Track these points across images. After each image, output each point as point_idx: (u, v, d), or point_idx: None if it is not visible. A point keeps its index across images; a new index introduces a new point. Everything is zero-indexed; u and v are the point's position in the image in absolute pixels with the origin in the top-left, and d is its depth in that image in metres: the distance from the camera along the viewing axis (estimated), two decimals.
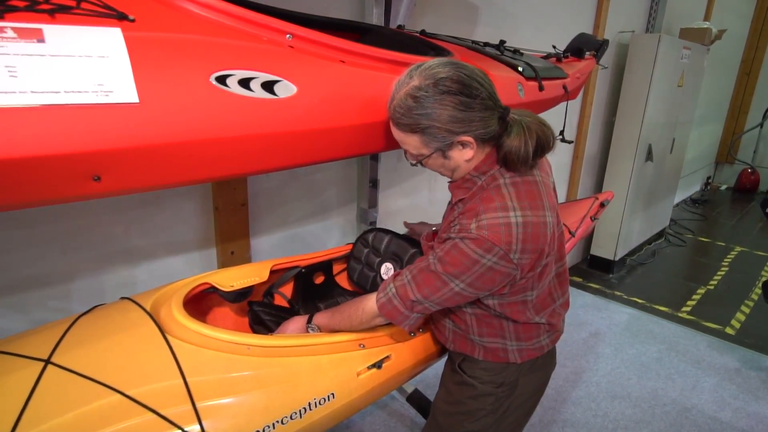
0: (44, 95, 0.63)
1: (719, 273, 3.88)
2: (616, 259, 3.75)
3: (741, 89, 6.44)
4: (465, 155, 0.94)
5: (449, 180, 1.05)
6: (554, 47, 2.15)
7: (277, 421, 0.94)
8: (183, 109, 0.75)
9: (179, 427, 0.84)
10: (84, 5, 0.70)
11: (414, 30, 1.71)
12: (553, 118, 1.23)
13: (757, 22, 6.21)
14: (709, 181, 6.70)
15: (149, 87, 0.71)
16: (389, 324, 1.09)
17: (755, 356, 2.71)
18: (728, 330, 3.01)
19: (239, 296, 1.23)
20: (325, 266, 1.53)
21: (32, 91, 0.62)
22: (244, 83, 0.82)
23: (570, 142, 2.12)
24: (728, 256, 4.24)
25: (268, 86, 0.85)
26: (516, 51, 1.77)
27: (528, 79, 1.53)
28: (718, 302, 3.37)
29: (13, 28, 0.63)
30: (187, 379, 0.89)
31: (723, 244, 4.56)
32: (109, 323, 1.01)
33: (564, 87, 1.78)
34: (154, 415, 0.83)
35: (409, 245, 1.40)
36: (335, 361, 1.07)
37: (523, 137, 0.90)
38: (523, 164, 0.92)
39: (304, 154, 0.99)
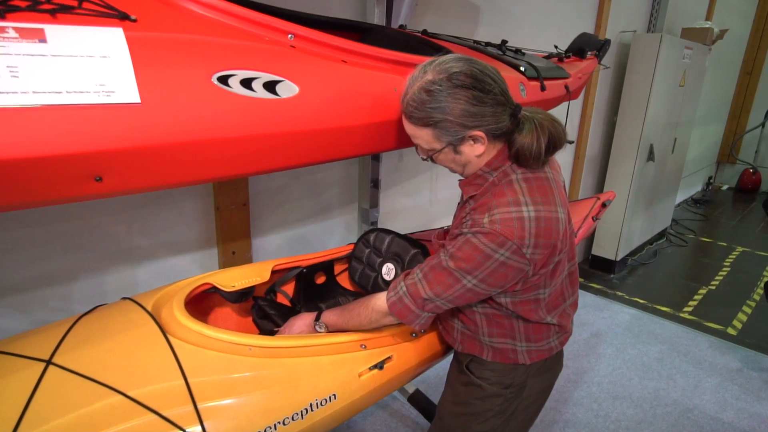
0: (46, 95, 0.62)
1: (721, 273, 3.87)
2: (618, 259, 3.74)
3: (742, 89, 6.43)
4: (476, 150, 0.94)
5: (459, 177, 1.04)
6: (556, 47, 2.15)
7: (279, 422, 0.94)
8: (184, 109, 0.75)
9: (181, 428, 0.83)
10: (86, 5, 0.70)
11: (415, 30, 1.71)
12: None
13: (758, 21, 6.20)
14: (711, 181, 6.69)
15: (151, 87, 0.71)
16: (396, 324, 1.08)
17: (757, 357, 2.70)
18: (730, 330, 3.00)
19: (240, 296, 1.23)
20: (327, 266, 1.53)
21: (34, 92, 0.62)
22: (246, 83, 0.82)
23: (571, 142, 2.12)
24: (730, 257, 4.23)
25: (270, 86, 0.85)
26: (518, 51, 1.76)
27: (530, 79, 1.53)
28: (719, 302, 3.36)
29: (15, 28, 0.63)
30: (189, 380, 0.89)
31: (724, 244, 4.55)
32: (111, 324, 1.01)
33: (566, 87, 1.77)
34: (156, 416, 0.83)
35: (411, 245, 1.40)
36: (337, 361, 1.07)
37: (536, 133, 0.91)
38: (535, 160, 0.93)
39: (305, 154, 0.99)
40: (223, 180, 1.19)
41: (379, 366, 1.12)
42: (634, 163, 3.51)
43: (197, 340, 0.96)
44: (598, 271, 3.83)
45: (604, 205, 1.97)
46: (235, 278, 1.23)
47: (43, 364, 0.85)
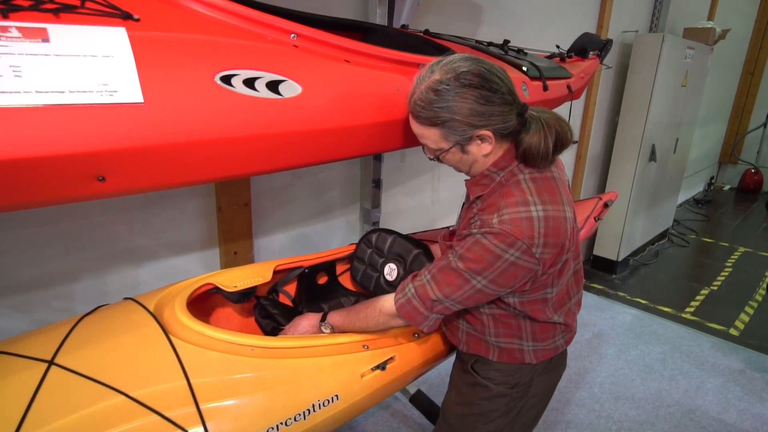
0: (48, 95, 0.62)
1: (723, 273, 3.87)
2: (620, 259, 3.74)
3: (744, 89, 6.42)
4: (483, 150, 0.94)
5: (466, 177, 1.04)
6: (558, 47, 2.14)
7: (281, 423, 0.93)
8: (187, 109, 0.75)
9: (183, 429, 0.83)
10: (88, 4, 0.70)
11: (417, 29, 1.71)
12: None
13: (760, 21, 6.19)
14: (713, 181, 6.68)
15: (154, 87, 0.71)
16: (402, 326, 1.08)
17: (759, 357, 2.69)
18: (732, 331, 2.99)
19: (242, 297, 1.22)
20: (329, 267, 1.52)
21: (36, 91, 0.61)
22: (249, 83, 0.82)
23: (576, 142, 2.11)
24: (732, 257, 4.22)
25: (272, 86, 0.85)
26: (520, 51, 1.76)
27: (532, 78, 1.53)
28: (721, 303, 3.35)
29: (18, 28, 0.63)
30: (191, 381, 0.89)
31: (726, 244, 4.54)
32: (113, 324, 1.00)
33: (568, 87, 1.77)
34: (158, 417, 0.83)
35: (413, 246, 1.40)
36: (339, 362, 1.06)
37: (543, 133, 0.91)
38: (543, 160, 0.93)
39: (308, 154, 0.99)
40: (225, 180, 1.19)
41: (382, 367, 1.11)
42: (636, 163, 3.51)
43: (199, 340, 0.96)
44: (600, 272, 3.82)
45: (606, 206, 1.97)
46: (237, 278, 1.23)
47: (45, 365, 0.85)
